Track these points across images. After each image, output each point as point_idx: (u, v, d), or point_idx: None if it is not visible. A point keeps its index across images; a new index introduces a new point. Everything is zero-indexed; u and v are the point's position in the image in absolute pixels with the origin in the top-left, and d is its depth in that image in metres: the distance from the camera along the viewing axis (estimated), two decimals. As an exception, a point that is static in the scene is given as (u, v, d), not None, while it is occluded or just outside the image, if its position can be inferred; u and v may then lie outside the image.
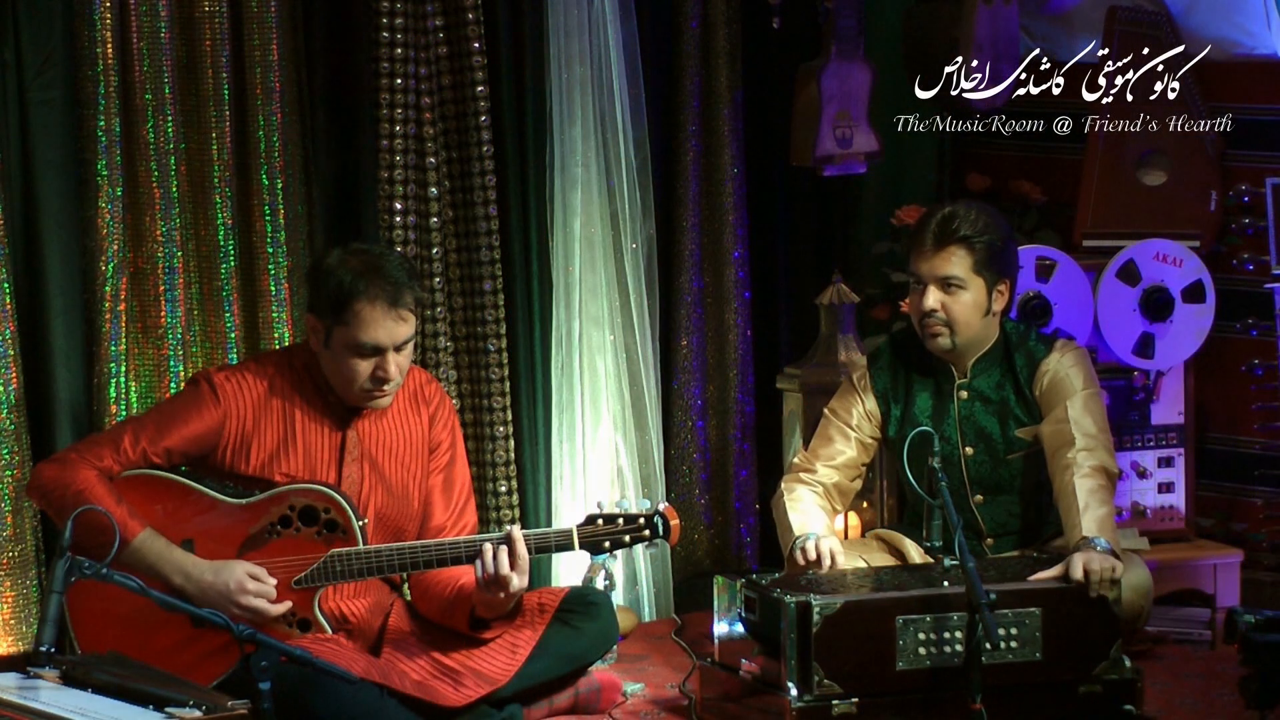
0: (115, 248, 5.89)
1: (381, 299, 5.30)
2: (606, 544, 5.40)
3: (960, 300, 5.72)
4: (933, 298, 5.71)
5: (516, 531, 5.30)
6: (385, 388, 5.37)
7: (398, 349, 5.35)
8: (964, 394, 5.81)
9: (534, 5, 6.54)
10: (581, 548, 5.40)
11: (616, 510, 5.43)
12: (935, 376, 5.85)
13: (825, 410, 5.96)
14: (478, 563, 5.30)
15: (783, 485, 5.87)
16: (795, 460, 5.95)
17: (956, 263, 5.71)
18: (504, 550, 5.29)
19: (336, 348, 5.35)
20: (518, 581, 5.31)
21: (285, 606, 5.28)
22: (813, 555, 5.58)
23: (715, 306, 7.01)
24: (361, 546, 5.33)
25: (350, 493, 5.39)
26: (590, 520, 5.42)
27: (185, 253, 6.04)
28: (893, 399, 5.86)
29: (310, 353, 5.45)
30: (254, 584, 5.24)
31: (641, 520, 5.41)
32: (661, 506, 5.44)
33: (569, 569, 6.56)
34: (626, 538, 5.41)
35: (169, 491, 5.33)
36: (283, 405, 5.42)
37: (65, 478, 5.24)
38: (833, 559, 5.59)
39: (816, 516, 5.74)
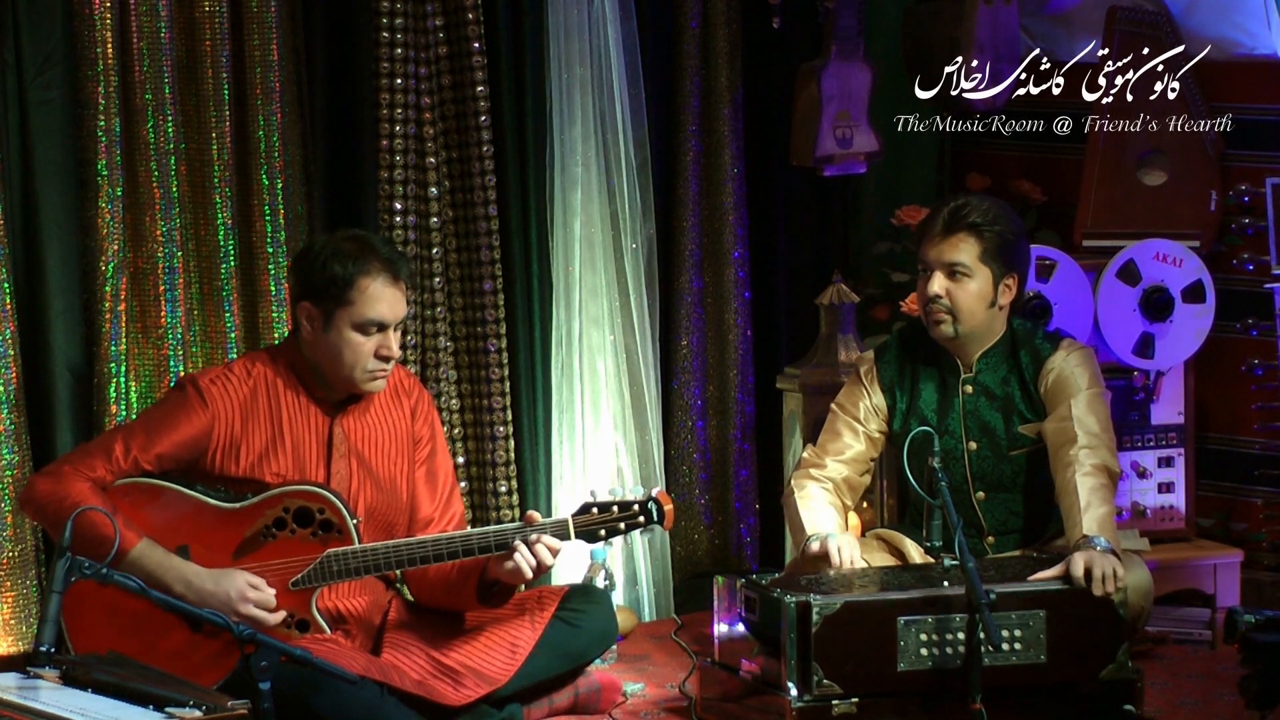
0: (115, 248, 5.88)
1: (385, 273, 5.37)
2: (602, 532, 5.40)
3: (965, 288, 5.72)
4: (938, 283, 5.72)
5: (547, 537, 5.36)
6: (387, 366, 5.40)
7: (395, 327, 5.39)
8: (969, 388, 5.81)
9: (534, 5, 6.54)
10: (578, 537, 5.40)
11: (610, 498, 5.43)
12: (941, 370, 5.85)
13: (833, 405, 5.94)
14: (519, 559, 5.30)
15: (792, 482, 5.86)
16: (804, 456, 5.93)
17: (965, 250, 5.71)
18: (542, 546, 5.31)
19: (339, 329, 5.36)
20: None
21: (283, 615, 5.28)
22: (818, 550, 5.58)
23: (715, 306, 7.01)
24: (357, 545, 5.33)
25: (340, 489, 5.38)
26: (584, 509, 5.42)
27: (185, 253, 6.04)
28: (899, 391, 5.85)
29: (294, 349, 5.46)
30: (254, 593, 5.24)
31: (636, 506, 5.40)
32: (655, 491, 5.43)
33: (568, 567, 6.56)
34: (622, 525, 5.40)
35: (162, 499, 5.32)
36: (269, 404, 5.42)
37: (59, 491, 5.23)
38: (844, 556, 5.59)
39: (827, 514, 5.73)
